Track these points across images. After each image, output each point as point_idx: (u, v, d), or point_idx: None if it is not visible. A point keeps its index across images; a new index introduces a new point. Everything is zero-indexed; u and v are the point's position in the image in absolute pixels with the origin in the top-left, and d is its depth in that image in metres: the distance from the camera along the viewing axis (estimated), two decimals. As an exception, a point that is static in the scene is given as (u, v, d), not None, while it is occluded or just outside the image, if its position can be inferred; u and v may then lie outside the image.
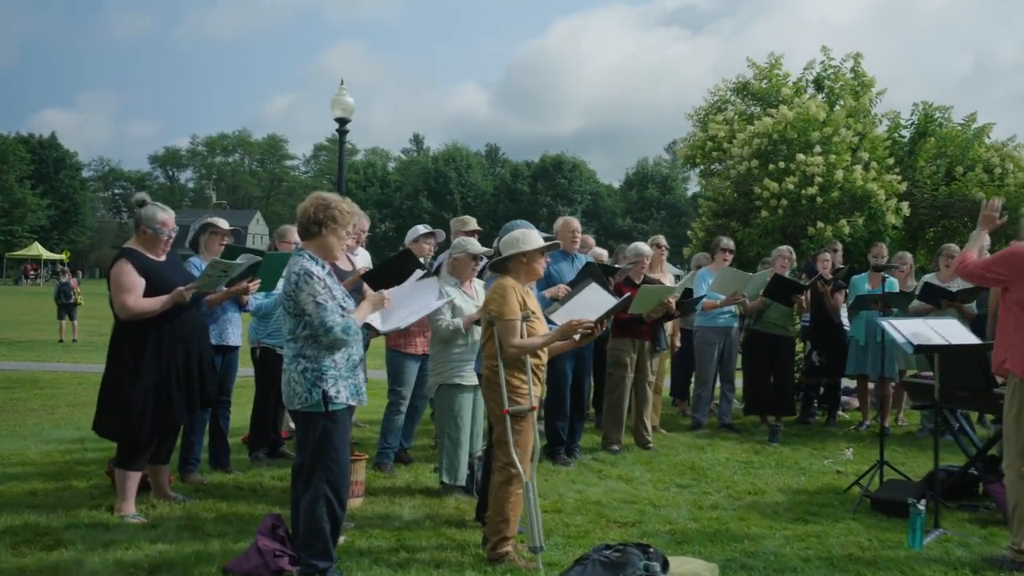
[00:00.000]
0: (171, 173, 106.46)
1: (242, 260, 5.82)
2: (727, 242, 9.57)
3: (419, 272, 5.58)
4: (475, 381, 6.15)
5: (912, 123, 12.45)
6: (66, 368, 14.11)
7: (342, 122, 15.94)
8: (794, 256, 9.45)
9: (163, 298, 5.38)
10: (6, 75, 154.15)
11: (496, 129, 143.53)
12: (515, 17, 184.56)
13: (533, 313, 4.89)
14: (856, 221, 10.54)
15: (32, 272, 62.12)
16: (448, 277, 6.26)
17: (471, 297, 6.27)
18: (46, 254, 63.17)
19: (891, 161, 11.28)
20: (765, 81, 12.48)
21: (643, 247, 8.24)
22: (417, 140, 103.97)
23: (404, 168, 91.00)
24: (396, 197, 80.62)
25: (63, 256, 57.21)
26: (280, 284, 6.57)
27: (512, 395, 4.75)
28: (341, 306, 4.40)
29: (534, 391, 4.85)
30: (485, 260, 6.42)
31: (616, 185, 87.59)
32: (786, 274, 9.08)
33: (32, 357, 15.76)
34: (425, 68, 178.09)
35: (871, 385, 9.62)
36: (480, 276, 6.52)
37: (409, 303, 5.24)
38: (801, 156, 10.72)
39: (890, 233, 10.83)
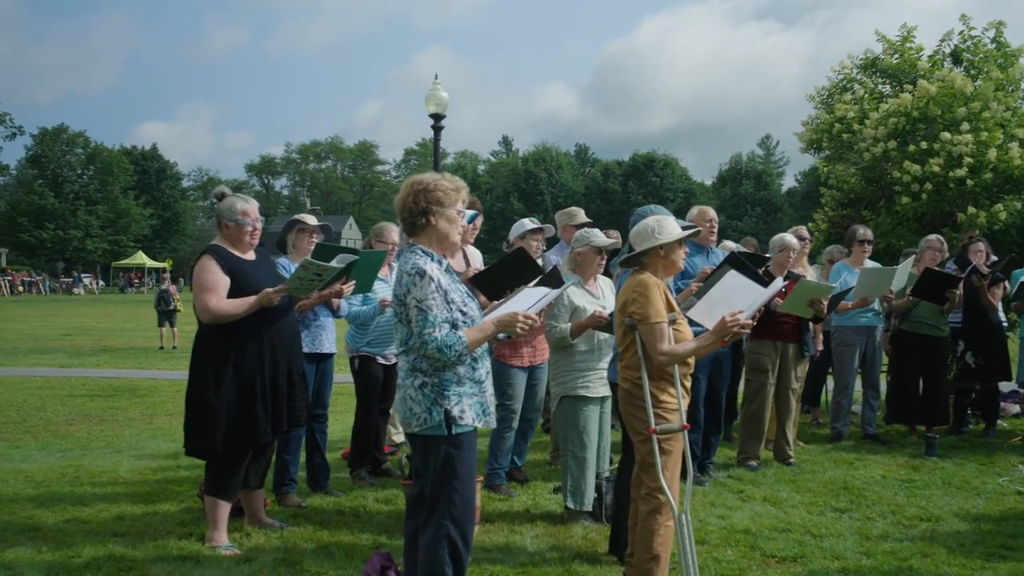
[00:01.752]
0: (267, 181, 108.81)
1: (338, 263, 5.15)
2: (864, 232, 8.42)
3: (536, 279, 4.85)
4: (602, 392, 5.42)
5: (1067, 94, 11.18)
6: (165, 375, 13.93)
7: (437, 118, 15.43)
8: (945, 247, 8.38)
9: (249, 299, 4.75)
10: (111, 91, 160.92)
11: (585, 129, 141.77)
12: (603, 17, 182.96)
13: (679, 315, 4.12)
14: (1012, 204, 9.40)
15: (136, 280, 63.95)
16: (571, 275, 5.51)
17: (596, 297, 5.51)
18: (149, 262, 64.99)
19: (1051, 137, 10.07)
20: (896, 56, 11.39)
21: (790, 239, 7.23)
22: (506, 142, 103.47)
23: (494, 170, 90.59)
24: (487, 199, 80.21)
25: (166, 264, 58.73)
26: (376, 287, 6.02)
27: (659, 411, 4.00)
28: (461, 311, 3.62)
29: (683, 405, 4.08)
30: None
31: (709, 182, 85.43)
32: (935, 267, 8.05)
33: (132, 364, 15.69)
34: (513, 70, 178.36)
35: None
36: (606, 273, 5.77)
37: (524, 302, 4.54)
38: (946, 135, 9.62)
39: (1047, 218, 9.67)
